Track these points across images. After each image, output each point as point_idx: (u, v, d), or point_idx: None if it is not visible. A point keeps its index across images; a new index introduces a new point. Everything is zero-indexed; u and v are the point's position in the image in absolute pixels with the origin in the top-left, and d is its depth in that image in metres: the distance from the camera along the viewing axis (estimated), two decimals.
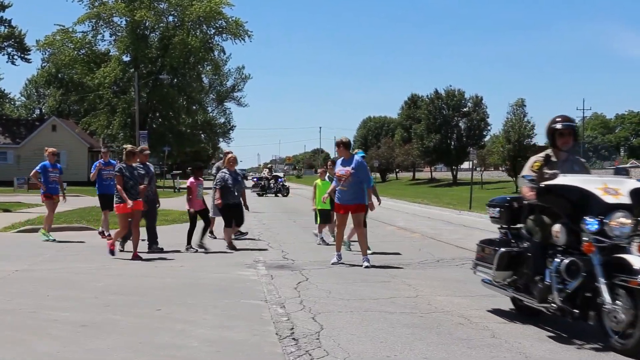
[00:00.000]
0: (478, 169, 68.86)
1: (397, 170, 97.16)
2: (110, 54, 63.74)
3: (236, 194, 13.82)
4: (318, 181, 15.20)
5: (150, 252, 12.85)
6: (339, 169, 11.36)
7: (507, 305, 8.05)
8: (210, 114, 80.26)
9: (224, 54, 70.31)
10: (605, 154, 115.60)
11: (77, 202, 31.74)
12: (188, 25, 61.97)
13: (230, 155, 14.30)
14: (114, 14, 61.18)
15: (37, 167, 15.52)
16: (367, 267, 10.94)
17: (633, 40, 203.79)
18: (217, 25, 64.26)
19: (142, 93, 60.48)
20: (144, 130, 56.64)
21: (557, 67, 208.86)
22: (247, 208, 14.47)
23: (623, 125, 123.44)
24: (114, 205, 12.37)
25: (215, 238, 15.26)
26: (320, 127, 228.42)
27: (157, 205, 13.91)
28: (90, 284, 9.38)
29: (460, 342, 6.31)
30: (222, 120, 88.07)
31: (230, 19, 63.55)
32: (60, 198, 15.63)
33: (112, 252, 12.28)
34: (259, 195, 41.39)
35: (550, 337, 6.59)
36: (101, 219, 16.24)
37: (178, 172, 63.07)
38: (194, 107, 68.03)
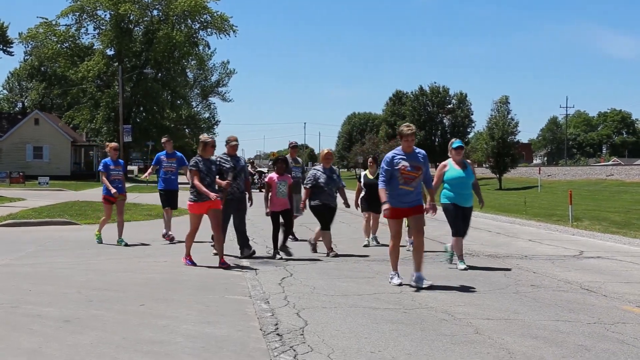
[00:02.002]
0: None
1: (312, 169, 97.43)
2: (94, 47, 63.50)
3: (330, 194, 12.15)
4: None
5: (244, 258, 11.48)
6: (404, 165, 9.10)
7: (491, 301, 8.10)
8: (195, 109, 80.00)
9: (209, 48, 70.40)
10: (589, 151, 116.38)
11: (60, 196, 31.58)
12: (173, 19, 61.79)
13: (326, 151, 12.62)
14: (98, 7, 60.89)
15: (100, 167, 13.91)
16: (422, 288, 8.77)
17: (616, 40, 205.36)
18: (202, 19, 64.19)
19: (126, 87, 60.26)
20: (127, 125, 56.50)
21: (541, 65, 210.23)
22: (346, 205, 12.80)
23: (605, 123, 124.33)
24: (188, 203, 10.74)
25: (296, 240, 14.18)
26: (304, 123, 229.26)
27: (249, 203, 12.08)
28: (73, 279, 9.32)
29: (443, 338, 6.33)
30: (207, 115, 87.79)
31: (215, 14, 63.49)
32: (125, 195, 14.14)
33: (190, 262, 10.70)
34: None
35: (533, 333, 6.61)
36: (163, 218, 14.79)
37: None
38: (179, 102, 67.86)
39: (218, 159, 11.25)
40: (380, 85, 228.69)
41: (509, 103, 60.79)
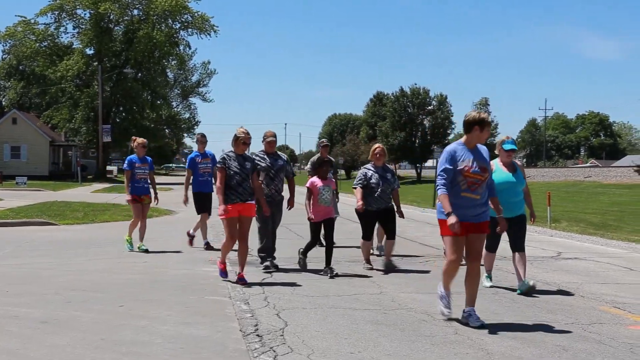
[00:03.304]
0: None
1: (362, 167, 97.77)
2: (74, 46, 63.11)
3: (382, 197, 10.54)
4: None
5: (264, 270, 10.14)
6: (467, 165, 6.90)
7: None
8: (175, 109, 79.67)
9: (190, 48, 70.17)
10: (568, 153, 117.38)
11: (38, 196, 31.32)
12: (153, 19, 61.54)
13: (376, 146, 10.96)
14: (78, 6, 60.49)
15: (125, 165, 12.81)
16: (479, 326, 6.87)
17: (594, 42, 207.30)
18: (183, 19, 64.03)
19: (106, 87, 59.92)
20: (107, 125, 56.18)
21: (521, 67, 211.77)
22: (400, 215, 10.80)
23: (583, 126, 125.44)
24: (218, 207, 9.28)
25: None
26: (285, 124, 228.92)
27: (288, 207, 10.63)
28: (51, 280, 9.25)
29: (423, 339, 6.35)
30: (187, 115, 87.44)
31: (196, 14, 63.36)
32: (153, 199, 12.93)
33: (223, 274, 9.41)
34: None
35: (511, 334, 6.66)
36: (198, 225, 13.25)
37: None
38: (159, 102, 67.56)
39: (253, 158, 9.89)
40: (361, 86, 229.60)
41: (489, 105, 61.40)
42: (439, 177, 6.91)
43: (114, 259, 11.43)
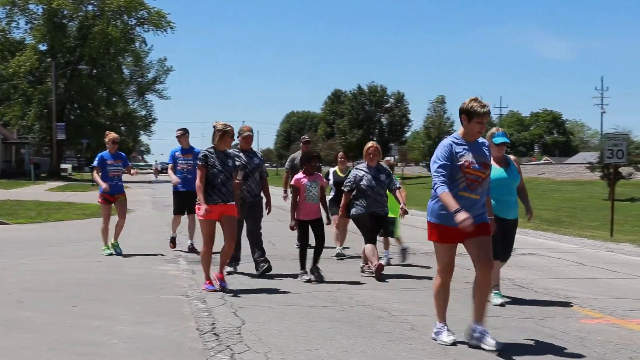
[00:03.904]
0: (399, 164, 69.87)
1: (320, 165, 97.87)
2: (26, 42, 61.78)
3: (377, 199, 9.81)
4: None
5: (261, 275, 9.55)
6: (468, 160, 6.04)
7: (426, 298, 8.22)
8: (131, 106, 78.63)
9: (146, 45, 69.24)
10: (522, 150, 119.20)
11: None
12: (108, 15, 60.69)
13: (369, 145, 10.18)
14: (30, 1, 59.34)
15: (95, 162, 11.99)
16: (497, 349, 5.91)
17: (548, 42, 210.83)
18: (139, 15, 63.25)
19: (60, 83, 58.88)
20: (61, 122, 55.21)
21: (476, 65, 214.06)
22: (404, 212, 10.05)
23: (537, 123, 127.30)
24: (196, 207, 8.76)
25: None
26: (243, 121, 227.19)
27: (267, 210, 9.96)
28: (3, 280, 9.07)
29: (380, 335, 6.40)
30: (143, 112, 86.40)
31: (152, 10, 62.75)
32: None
33: (223, 283, 8.60)
34: None
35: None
36: (172, 223, 12.61)
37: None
38: (114, 99, 66.63)
39: (232, 153, 9.16)
40: (319, 83, 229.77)
41: (445, 103, 62.09)
42: (436, 174, 5.99)
43: (68, 259, 11.25)
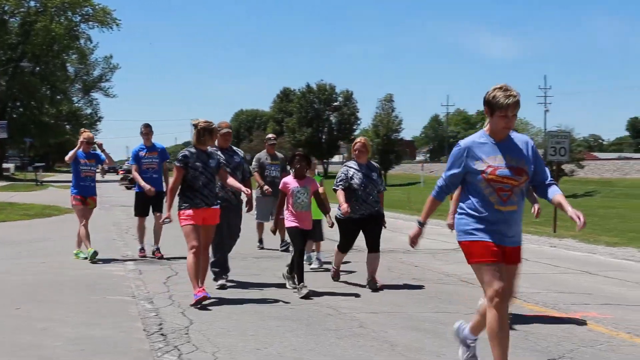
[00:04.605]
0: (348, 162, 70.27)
1: (343, 165, 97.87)
2: None
3: (366, 200, 8.94)
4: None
5: (218, 288, 8.56)
6: (492, 166, 4.82)
7: (375, 297, 8.29)
8: (76, 105, 77.23)
9: (91, 42, 68.08)
10: None
11: None
12: (52, 11, 59.47)
13: (357, 141, 9.27)
14: None
15: (68, 157, 11.23)
16: None
17: (493, 40, 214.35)
18: (83, 12, 62.13)
19: (1, 81, 57.46)
20: (3, 121, 53.76)
21: (424, 64, 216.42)
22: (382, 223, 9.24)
23: (483, 121, 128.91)
24: (178, 212, 7.80)
25: (262, 248, 12.61)
26: (191, 120, 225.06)
27: (247, 208, 8.98)
28: None
29: (329, 333, 6.42)
30: (89, 111, 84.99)
31: (97, 7, 61.68)
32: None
33: (200, 300, 7.47)
34: (128, 188, 40.27)
35: (414, 325, 6.82)
36: (137, 232, 11.67)
37: (41, 164, 60.26)
38: (58, 97, 65.34)
39: (213, 153, 8.40)
40: (268, 81, 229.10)
41: (393, 101, 62.50)
42: (442, 177, 5.15)
43: (11, 260, 10.98)
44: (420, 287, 8.97)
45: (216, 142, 8.85)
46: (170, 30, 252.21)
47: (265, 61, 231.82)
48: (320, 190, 9.33)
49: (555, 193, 4.99)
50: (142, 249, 11.42)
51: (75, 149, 11.18)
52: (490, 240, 4.81)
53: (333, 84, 78.39)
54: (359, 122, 78.64)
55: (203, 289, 7.55)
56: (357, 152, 9.05)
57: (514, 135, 4.96)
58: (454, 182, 5.06)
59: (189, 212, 7.65)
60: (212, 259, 8.61)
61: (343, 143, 67.50)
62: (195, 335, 6.21)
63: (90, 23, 62.78)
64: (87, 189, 11.17)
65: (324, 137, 76.13)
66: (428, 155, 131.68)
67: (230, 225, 8.83)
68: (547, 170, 5.10)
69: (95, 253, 10.66)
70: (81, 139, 11.25)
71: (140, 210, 11.49)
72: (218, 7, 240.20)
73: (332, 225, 8.92)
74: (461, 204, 5.00)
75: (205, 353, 5.66)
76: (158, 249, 11.31)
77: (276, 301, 7.87)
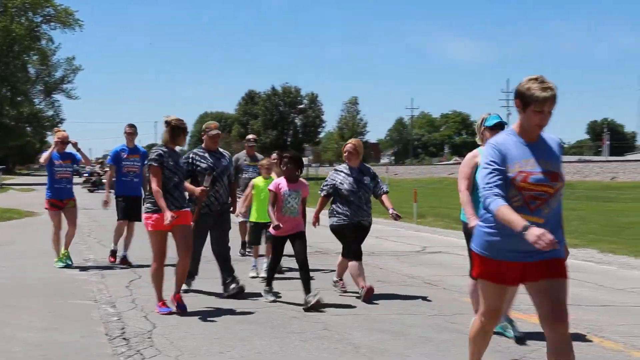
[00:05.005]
0: (314, 165, 70.30)
1: (334, 169, 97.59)
2: None
3: (360, 206, 8.35)
4: (259, 180, 9.88)
5: (229, 297, 8.20)
6: (525, 171, 4.19)
7: (339, 298, 8.31)
8: (37, 106, 76.12)
9: (53, 43, 67.16)
10: (433, 151, 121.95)
11: None
12: (12, 12, 58.57)
13: (348, 143, 8.70)
14: None
15: (42, 158, 10.73)
16: None
17: (457, 44, 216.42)
18: (45, 12, 61.30)
19: None
20: None
21: (388, 67, 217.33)
22: (396, 217, 8.42)
23: (447, 124, 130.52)
24: (144, 216, 7.49)
25: (245, 255, 11.63)
26: (155, 122, 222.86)
27: (232, 210, 8.85)
28: None
29: (293, 335, 6.42)
30: (51, 113, 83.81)
31: (59, 7, 60.88)
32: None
33: (165, 309, 7.33)
34: (90, 191, 39.81)
35: (378, 327, 6.85)
36: (117, 235, 11.10)
37: (0, 167, 59.22)
38: (19, 99, 64.29)
39: (192, 156, 8.37)
40: (233, 84, 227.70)
41: (358, 104, 62.88)
42: (487, 184, 4.18)
43: None
44: (384, 289, 9.01)
45: (203, 144, 8.58)
46: (134, 32, 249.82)
47: (230, 63, 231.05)
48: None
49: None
50: (114, 253, 11.03)
51: (50, 149, 10.75)
52: (502, 259, 4.27)
53: (298, 86, 78.53)
54: (324, 124, 78.91)
55: (178, 296, 7.36)
56: (347, 154, 8.48)
57: (544, 134, 4.36)
58: (502, 179, 4.19)
59: (156, 216, 7.22)
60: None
61: (308, 146, 67.59)
62: (159, 339, 6.17)
63: (52, 24, 61.97)
64: (62, 192, 10.65)
65: (289, 139, 76.13)
66: (393, 157, 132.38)
67: (211, 233, 8.48)
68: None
69: (62, 261, 10.47)
70: (55, 138, 10.75)
71: (123, 215, 10.95)
72: (182, 10, 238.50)
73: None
74: (481, 211, 4.42)
75: (169, 357, 5.63)
76: (125, 256, 10.83)
77: (241, 305, 7.85)
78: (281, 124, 75.79)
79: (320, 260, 11.14)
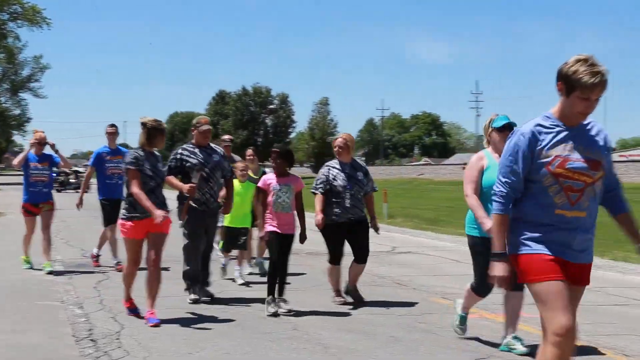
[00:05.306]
0: None
1: (324, 165, 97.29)
2: None
3: (354, 204, 8.04)
4: (235, 183, 8.98)
5: (191, 303, 7.91)
6: (563, 157, 3.82)
7: (309, 299, 8.32)
8: (4, 105, 75.07)
9: (19, 41, 66.32)
10: (403, 151, 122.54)
11: None
12: None
13: (338, 138, 8.47)
14: None
15: (16, 160, 10.35)
16: None
17: (427, 45, 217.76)
18: (11, 10, 60.49)
19: None
20: None
21: (359, 67, 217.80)
22: (375, 229, 8.48)
23: (417, 125, 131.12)
24: (120, 222, 7.22)
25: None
26: (125, 121, 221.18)
27: (219, 219, 8.70)
28: None
29: (263, 336, 6.42)
30: (17, 111, 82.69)
31: (26, 5, 60.10)
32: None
33: (133, 311, 7.22)
34: (58, 191, 39.34)
35: (347, 327, 6.87)
36: (102, 240, 10.70)
37: None
38: None
39: (180, 152, 8.04)
40: (203, 84, 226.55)
41: (329, 104, 62.92)
42: (499, 184, 3.94)
43: None
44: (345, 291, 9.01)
45: (193, 139, 8.18)
46: (103, 31, 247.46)
47: (200, 63, 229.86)
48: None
49: (623, 210, 4.07)
50: (98, 257, 10.72)
51: (25, 151, 10.35)
52: (548, 253, 3.83)
53: (269, 86, 78.41)
54: (294, 125, 78.84)
55: (152, 313, 6.87)
56: (338, 149, 8.15)
57: (587, 121, 3.93)
58: (520, 184, 3.90)
59: (130, 224, 6.95)
60: (184, 268, 8.10)
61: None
62: (127, 340, 6.12)
63: (19, 21, 61.16)
64: (37, 195, 10.08)
65: (259, 140, 75.99)
66: (364, 158, 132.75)
67: (208, 232, 8.20)
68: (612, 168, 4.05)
69: (28, 262, 10.29)
70: (32, 140, 10.30)
71: (108, 221, 10.41)
72: (150, 8, 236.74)
73: (303, 241, 7.88)
74: (522, 210, 3.97)
75: (136, 358, 5.59)
76: (119, 262, 10.11)
77: (209, 305, 7.82)
78: (252, 124, 75.58)
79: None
